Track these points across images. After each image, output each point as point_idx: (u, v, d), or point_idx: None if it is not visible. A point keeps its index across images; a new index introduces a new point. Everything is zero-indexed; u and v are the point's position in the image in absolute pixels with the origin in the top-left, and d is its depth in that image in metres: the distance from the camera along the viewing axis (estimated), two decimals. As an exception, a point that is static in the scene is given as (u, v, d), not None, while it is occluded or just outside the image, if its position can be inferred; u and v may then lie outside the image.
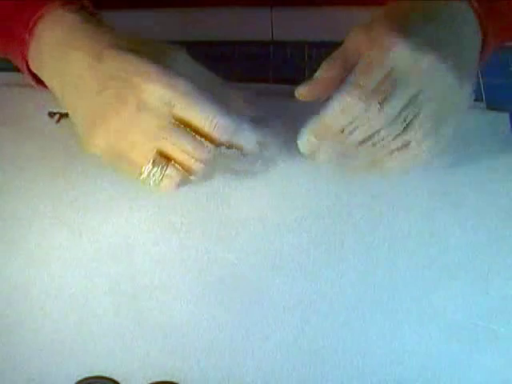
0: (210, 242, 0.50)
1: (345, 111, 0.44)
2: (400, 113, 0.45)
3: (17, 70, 0.58)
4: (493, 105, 0.57)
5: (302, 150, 0.48)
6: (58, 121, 0.56)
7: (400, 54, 0.44)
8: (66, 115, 0.56)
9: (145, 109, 0.44)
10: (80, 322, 0.48)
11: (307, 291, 0.49)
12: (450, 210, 0.51)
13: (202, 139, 0.45)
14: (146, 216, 0.52)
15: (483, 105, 0.57)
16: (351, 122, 0.45)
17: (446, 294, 0.48)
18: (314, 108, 0.56)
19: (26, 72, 0.51)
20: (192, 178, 0.48)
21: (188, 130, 0.45)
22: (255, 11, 0.63)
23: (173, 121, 0.44)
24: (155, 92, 0.43)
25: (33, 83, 0.52)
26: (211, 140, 0.45)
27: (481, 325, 0.47)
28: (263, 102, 0.56)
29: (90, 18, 0.49)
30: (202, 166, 0.46)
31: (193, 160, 0.46)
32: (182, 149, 0.45)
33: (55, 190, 0.53)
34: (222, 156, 0.47)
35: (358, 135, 0.46)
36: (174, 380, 0.46)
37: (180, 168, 0.47)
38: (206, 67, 0.60)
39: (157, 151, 0.45)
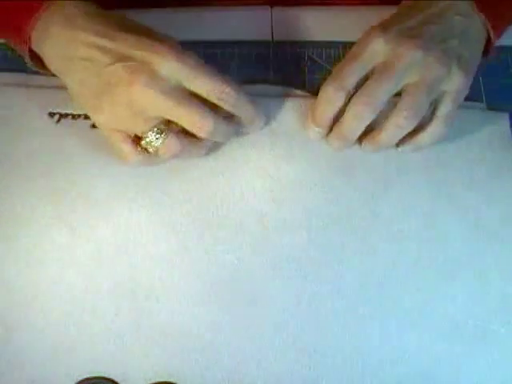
0: (209, 243, 0.50)
1: (329, 101, 0.50)
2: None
3: (17, 70, 0.58)
4: (493, 105, 0.56)
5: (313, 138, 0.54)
6: (58, 121, 0.56)
7: (375, 46, 0.48)
8: (65, 115, 0.56)
9: (154, 82, 0.46)
10: (79, 323, 0.48)
11: (307, 292, 0.49)
12: (450, 209, 0.51)
13: (209, 110, 0.48)
14: (146, 216, 0.51)
15: (483, 105, 0.56)
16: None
17: (446, 294, 0.48)
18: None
19: (28, 54, 0.52)
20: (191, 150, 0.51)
21: (196, 100, 0.48)
22: (255, 11, 0.63)
23: (180, 92, 0.47)
24: (166, 65, 0.46)
25: (31, 63, 0.53)
26: (215, 111, 0.49)
27: (481, 325, 0.47)
28: (263, 102, 0.56)
29: (95, 5, 0.51)
30: (206, 134, 0.49)
31: (198, 127, 0.48)
32: (190, 119, 0.48)
33: (55, 189, 0.53)
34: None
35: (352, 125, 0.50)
36: (173, 380, 0.46)
37: (181, 137, 0.49)
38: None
39: (162, 120, 0.48)
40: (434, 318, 0.48)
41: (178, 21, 0.62)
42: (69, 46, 0.49)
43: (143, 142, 0.49)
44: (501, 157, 0.53)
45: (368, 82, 0.48)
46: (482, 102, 0.57)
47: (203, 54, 0.60)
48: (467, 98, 0.56)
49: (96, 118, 0.50)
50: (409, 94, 0.48)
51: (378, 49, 0.48)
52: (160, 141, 0.49)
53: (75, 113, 0.56)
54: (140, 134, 0.49)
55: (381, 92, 0.48)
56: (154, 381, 0.46)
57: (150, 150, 0.49)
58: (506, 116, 0.55)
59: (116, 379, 0.46)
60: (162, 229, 0.51)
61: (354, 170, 0.53)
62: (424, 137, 0.51)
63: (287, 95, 0.57)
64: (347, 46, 0.61)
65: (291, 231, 0.51)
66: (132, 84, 0.46)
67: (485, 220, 0.51)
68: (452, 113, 0.50)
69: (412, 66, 0.47)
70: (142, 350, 0.47)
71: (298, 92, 0.58)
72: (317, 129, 0.52)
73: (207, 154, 0.53)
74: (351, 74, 0.49)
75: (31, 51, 0.52)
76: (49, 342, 0.47)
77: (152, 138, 0.49)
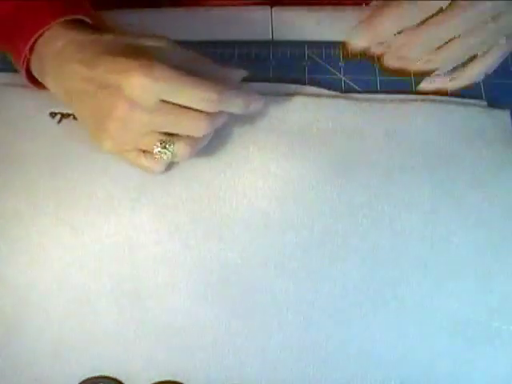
0: (212, 242, 0.50)
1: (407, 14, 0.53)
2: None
3: (17, 70, 0.58)
4: (494, 102, 0.56)
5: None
6: (60, 121, 0.56)
7: None
8: (67, 115, 0.56)
9: (135, 104, 0.46)
10: (83, 322, 0.48)
11: (310, 290, 0.49)
12: (451, 208, 0.51)
13: (197, 111, 0.48)
14: (149, 216, 0.51)
15: (484, 102, 0.56)
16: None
17: (449, 293, 0.48)
18: (314, 108, 0.56)
19: (25, 77, 0.54)
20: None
21: (180, 107, 0.47)
22: (255, 11, 0.63)
23: (163, 105, 0.47)
24: (136, 85, 0.45)
25: (32, 86, 0.55)
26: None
27: (484, 323, 0.47)
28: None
29: (88, 30, 0.51)
30: (204, 132, 0.49)
31: (195, 130, 0.48)
32: (180, 126, 0.48)
33: (57, 190, 0.53)
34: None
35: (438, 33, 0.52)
36: (177, 380, 0.46)
37: (188, 140, 0.49)
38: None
39: (160, 133, 0.48)
40: (436, 316, 0.48)
41: (178, 21, 0.62)
42: (63, 79, 0.50)
43: (155, 158, 0.50)
44: (502, 154, 0.53)
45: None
46: (483, 99, 0.57)
47: (203, 54, 0.61)
48: (468, 96, 0.56)
49: (103, 146, 0.50)
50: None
51: None
52: (167, 152, 0.49)
53: (76, 113, 0.56)
54: (145, 148, 0.50)
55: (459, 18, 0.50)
56: (157, 380, 0.46)
57: (165, 158, 0.50)
58: (507, 113, 0.55)
59: (119, 378, 0.46)
60: (164, 228, 0.51)
61: (356, 168, 0.53)
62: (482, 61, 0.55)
63: (288, 94, 0.57)
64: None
65: (294, 230, 0.51)
66: (117, 108, 0.46)
67: (487, 217, 0.51)
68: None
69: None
70: (145, 350, 0.47)
71: (300, 90, 0.58)
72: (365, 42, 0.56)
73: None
74: None
75: (28, 74, 0.53)
76: (52, 341, 0.47)
77: (159, 152, 0.49)
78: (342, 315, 0.48)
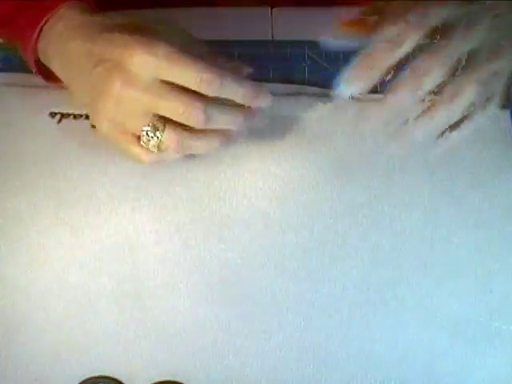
0: (212, 242, 0.50)
1: (399, 45, 0.42)
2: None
3: (17, 70, 0.58)
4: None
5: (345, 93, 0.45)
6: (60, 121, 0.56)
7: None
8: (67, 115, 0.56)
9: (131, 81, 0.45)
10: (83, 322, 0.48)
11: (310, 290, 0.49)
12: (451, 208, 0.51)
13: (193, 98, 0.46)
14: (149, 216, 0.51)
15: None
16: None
17: (449, 293, 0.48)
18: (314, 108, 0.56)
19: (34, 67, 0.53)
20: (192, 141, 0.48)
21: (178, 90, 0.46)
22: (255, 11, 0.63)
23: (160, 85, 0.45)
24: (136, 61, 0.44)
25: (39, 78, 0.54)
26: (202, 98, 0.46)
27: (484, 323, 0.47)
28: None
29: (91, 12, 0.51)
30: (197, 123, 0.47)
31: (187, 118, 0.46)
32: (175, 110, 0.46)
33: (57, 190, 0.53)
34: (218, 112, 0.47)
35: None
36: (177, 380, 0.46)
37: (179, 131, 0.47)
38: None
39: (153, 115, 0.47)
40: (436, 316, 0.48)
41: (178, 21, 0.62)
42: (66, 59, 0.49)
43: (141, 142, 0.48)
44: (502, 154, 0.54)
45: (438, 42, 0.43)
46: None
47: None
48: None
49: (100, 128, 0.49)
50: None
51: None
52: (156, 138, 0.47)
53: (76, 113, 0.56)
54: (137, 133, 0.48)
55: (453, 51, 0.42)
56: (157, 380, 0.46)
57: (151, 148, 0.48)
58: (508, 113, 0.56)
59: (120, 378, 0.46)
60: (164, 228, 0.51)
61: (356, 168, 0.53)
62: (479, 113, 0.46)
63: (288, 94, 0.57)
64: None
65: (294, 230, 0.51)
66: (112, 85, 0.45)
67: (487, 217, 0.51)
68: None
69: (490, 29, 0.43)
70: (145, 350, 0.47)
71: (300, 90, 0.58)
72: (362, 83, 0.43)
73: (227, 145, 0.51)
74: (434, 16, 0.42)
75: (37, 64, 0.52)
76: (52, 341, 0.47)
77: (148, 136, 0.47)
78: (342, 315, 0.48)
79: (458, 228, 0.51)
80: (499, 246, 0.50)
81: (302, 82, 0.59)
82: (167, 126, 0.47)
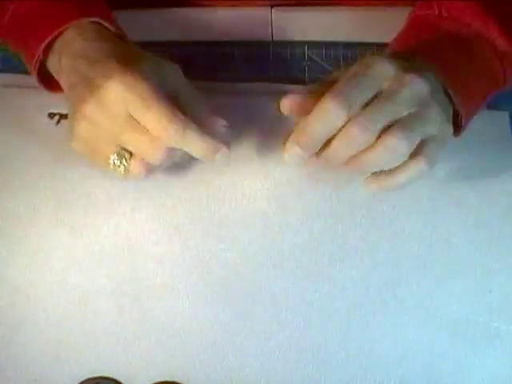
0: (211, 242, 0.50)
1: (328, 119, 0.43)
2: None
3: (16, 71, 0.58)
4: (493, 104, 0.56)
5: (289, 163, 0.47)
6: (58, 122, 0.56)
7: (383, 68, 0.44)
8: (66, 116, 0.56)
9: (103, 107, 0.45)
10: (82, 323, 0.48)
11: (309, 291, 0.49)
12: (451, 209, 0.51)
13: (156, 139, 0.46)
14: (148, 216, 0.51)
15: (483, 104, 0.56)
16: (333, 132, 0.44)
17: (449, 293, 0.48)
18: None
19: (37, 80, 0.54)
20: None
21: (144, 129, 0.46)
22: (255, 11, 0.63)
23: (128, 119, 0.46)
24: (112, 90, 0.45)
25: (39, 85, 0.55)
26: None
27: (483, 323, 0.47)
28: (263, 102, 0.56)
29: (106, 33, 0.51)
30: (157, 162, 0.47)
31: (149, 156, 0.47)
32: (137, 146, 0.47)
33: (56, 190, 0.53)
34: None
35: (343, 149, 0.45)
36: (176, 380, 0.46)
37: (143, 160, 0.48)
38: (206, 67, 0.60)
39: (119, 144, 0.47)
40: (436, 316, 0.48)
41: (178, 21, 0.63)
42: (70, 75, 0.49)
43: (110, 166, 0.48)
44: (502, 155, 0.54)
45: (369, 107, 0.43)
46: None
47: (203, 54, 0.61)
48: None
49: (72, 146, 0.49)
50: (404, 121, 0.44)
51: (386, 70, 0.44)
52: (121, 166, 0.48)
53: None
54: (106, 160, 0.48)
55: (382, 117, 0.43)
56: (157, 380, 0.46)
57: (119, 173, 0.48)
58: (506, 115, 0.56)
59: (119, 379, 0.46)
60: (163, 229, 0.51)
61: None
62: (404, 172, 0.46)
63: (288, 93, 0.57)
64: (347, 46, 0.61)
65: (293, 230, 0.51)
66: (85, 105, 0.46)
67: (486, 218, 0.51)
68: (436, 156, 0.46)
69: (417, 96, 0.44)
70: (144, 350, 0.47)
71: (299, 90, 0.57)
72: (300, 151, 0.45)
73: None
74: (358, 92, 0.43)
75: (39, 73, 0.53)
76: (51, 342, 0.47)
77: (115, 164, 0.48)
78: (342, 315, 0.48)
79: (458, 228, 0.51)
80: (499, 246, 0.50)
81: (302, 82, 0.59)
82: (133, 156, 0.47)
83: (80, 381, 0.46)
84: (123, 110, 0.45)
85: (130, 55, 0.48)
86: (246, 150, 0.54)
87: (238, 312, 0.48)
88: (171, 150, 0.46)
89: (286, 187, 0.52)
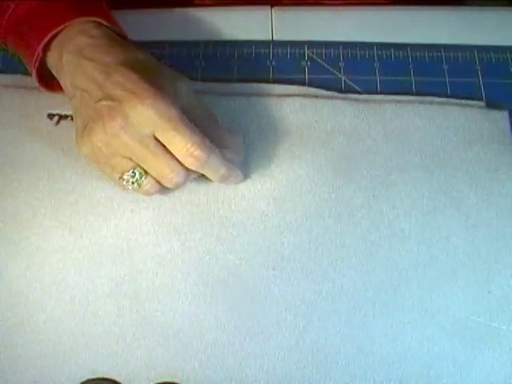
0: (211, 243, 0.50)
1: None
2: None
3: (16, 71, 0.58)
4: (492, 103, 0.56)
5: None
6: (58, 122, 0.56)
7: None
8: (65, 117, 0.56)
9: (129, 126, 0.45)
10: (82, 324, 0.48)
11: (308, 291, 0.49)
12: (450, 209, 0.51)
13: (179, 165, 0.47)
14: (147, 218, 0.51)
15: (483, 103, 0.56)
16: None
17: (448, 293, 0.48)
18: (312, 109, 0.56)
19: (36, 79, 0.53)
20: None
21: (168, 153, 0.46)
22: (255, 11, 0.63)
23: (154, 141, 0.46)
24: (139, 112, 0.44)
25: (38, 85, 0.54)
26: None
27: (483, 323, 0.47)
28: (263, 102, 0.56)
29: (109, 33, 0.51)
30: (173, 186, 0.48)
31: (167, 180, 0.48)
32: (160, 170, 0.47)
33: (55, 191, 0.53)
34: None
35: None
36: (176, 381, 0.46)
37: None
38: (206, 67, 0.60)
39: (137, 162, 0.47)
40: (436, 316, 0.48)
41: (178, 21, 0.63)
42: (75, 73, 0.49)
43: (120, 180, 0.49)
44: (500, 155, 0.53)
45: None
46: (482, 100, 0.57)
47: (204, 54, 0.61)
48: (467, 97, 0.56)
49: (81, 149, 0.48)
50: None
51: None
52: (135, 182, 0.48)
53: (75, 114, 0.56)
54: (119, 171, 0.48)
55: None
56: (156, 381, 0.46)
57: (128, 187, 0.49)
58: (506, 114, 0.55)
59: (118, 380, 0.46)
60: (163, 230, 0.51)
61: (354, 169, 0.53)
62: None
63: (287, 94, 0.57)
64: (347, 46, 0.61)
65: (292, 231, 0.51)
66: (108, 124, 0.45)
67: (485, 218, 0.51)
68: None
69: None
70: (144, 351, 0.47)
71: (299, 91, 0.58)
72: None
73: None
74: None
75: (39, 72, 0.53)
76: (51, 343, 0.47)
77: (128, 179, 0.48)
78: (341, 316, 0.48)
79: (457, 228, 0.51)
80: (497, 247, 0.50)
81: (302, 82, 0.59)
82: (149, 175, 0.48)
83: (80, 382, 0.46)
84: (149, 131, 0.45)
85: (146, 64, 0.48)
86: (245, 151, 0.54)
87: (237, 312, 0.48)
88: (189, 173, 0.48)
89: (285, 188, 0.52)
